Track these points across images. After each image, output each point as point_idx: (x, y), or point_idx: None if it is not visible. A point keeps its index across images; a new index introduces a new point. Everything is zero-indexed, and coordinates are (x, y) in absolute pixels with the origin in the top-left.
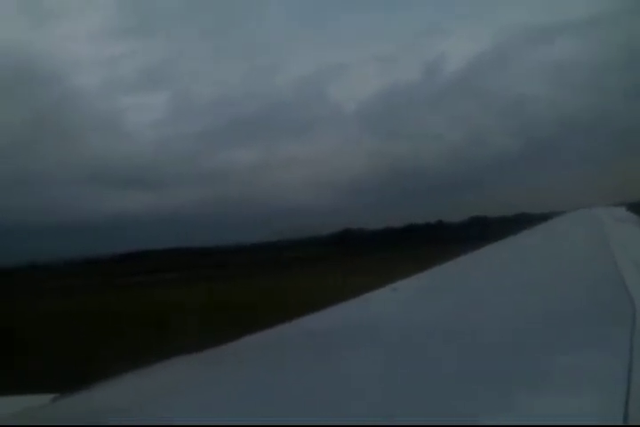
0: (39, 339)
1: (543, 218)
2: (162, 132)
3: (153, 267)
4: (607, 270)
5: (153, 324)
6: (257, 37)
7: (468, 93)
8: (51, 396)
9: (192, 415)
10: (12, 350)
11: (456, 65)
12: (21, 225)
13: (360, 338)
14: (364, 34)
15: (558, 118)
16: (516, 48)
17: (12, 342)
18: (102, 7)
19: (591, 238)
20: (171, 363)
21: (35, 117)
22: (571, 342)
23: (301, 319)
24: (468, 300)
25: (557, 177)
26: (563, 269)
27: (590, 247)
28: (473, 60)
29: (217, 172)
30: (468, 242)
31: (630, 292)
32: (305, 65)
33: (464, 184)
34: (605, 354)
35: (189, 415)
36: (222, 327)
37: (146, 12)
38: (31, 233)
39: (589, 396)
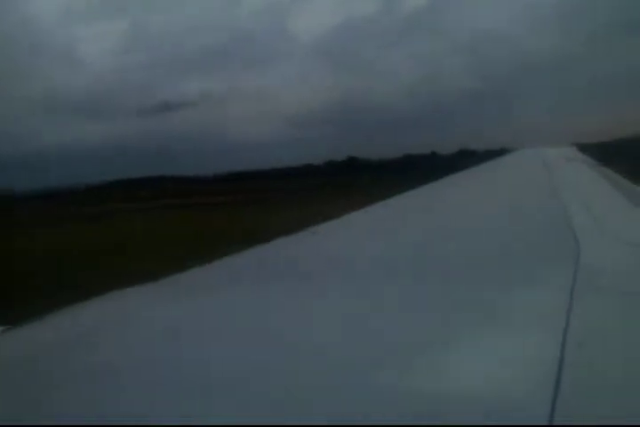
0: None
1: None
2: (118, 62)
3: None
4: (553, 209)
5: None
6: None
7: (429, 29)
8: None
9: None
10: None
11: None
12: None
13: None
14: None
15: (520, 58)
16: None
17: None
18: None
19: (539, 177)
20: (117, 294)
21: None
22: (513, 281)
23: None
24: (405, 238)
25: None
26: (508, 207)
27: (538, 185)
28: None
29: (171, 103)
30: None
31: (575, 231)
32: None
33: (422, 121)
34: (547, 293)
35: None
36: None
37: None
38: None
39: (528, 334)
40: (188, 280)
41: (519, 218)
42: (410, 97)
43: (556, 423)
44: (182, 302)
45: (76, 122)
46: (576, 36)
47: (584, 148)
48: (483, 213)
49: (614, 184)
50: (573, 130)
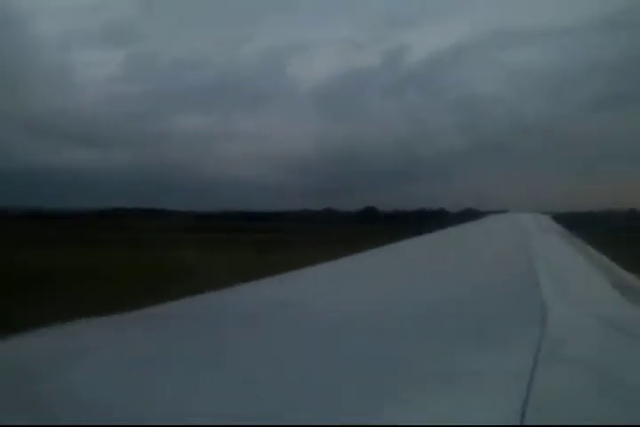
0: None
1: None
2: (114, 90)
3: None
4: (524, 274)
5: None
6: (227, 6)
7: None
8: None
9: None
10: None
11: (417, 57)
12: None
13: (262, 317)
14: (333, 15)
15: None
16: (479, 48)
17: None
18: None
19: (514, 241)
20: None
21: None
22: (478, 340)
23: (224, 291)
24: (383, 289)
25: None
26: (482, 269)
27: (511, 250)
28: (435, 55)
29: (163, 135)
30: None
31: (544, 297)
32: (269, 39)
33: (401, 175)
34: (511, 356)
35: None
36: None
37: None
38: None
39: (489, 396)
40: (164, 311)
41: (491, 279)
42: (400, 150)
43: None
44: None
45: (68, 146)
46: (566, 103)
47: (558, 216)
48: (465, 271)
49: (584, 255)
50: (548, 197)
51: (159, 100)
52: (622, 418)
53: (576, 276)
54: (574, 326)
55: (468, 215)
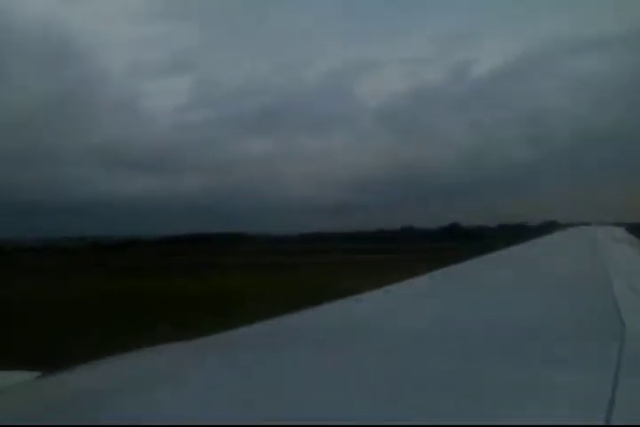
0: None
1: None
2: (181, 118)
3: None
4: (601, 289)
5: None
6: (289, 30)
7: (491, 100)
8: (35, 374)
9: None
10: None
11: (482, 71)
12: (35, 204)
13: (347, 338)
14: (395, 32)
15: (577, 133)
16: (545, 59)
17: None
18: None
19: (588, 256)
20: (158, 349)
21: (57, 95)
22: (557, 358)
23: (294, 315)
24: (461, 307)
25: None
26: (557, 284)
27: (587, 265)
28: (500, 67)
29: (231, 161)
30: None
31: (621, 312)
32: (333, 60)
33: (479, 190)
34: (591, 373)
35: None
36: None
37: None
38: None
39: (571, 411)
40: (222, 340)
41: (567, 294)
42: (469, 166)
43: None
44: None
45: (134, 176)
46: (632, 112)
47: (629, 227)
48: (540, 288)
49: None
50: (620, 208)
51: (224, 126)
52: None
53: None
54: None
55: (549, 228)
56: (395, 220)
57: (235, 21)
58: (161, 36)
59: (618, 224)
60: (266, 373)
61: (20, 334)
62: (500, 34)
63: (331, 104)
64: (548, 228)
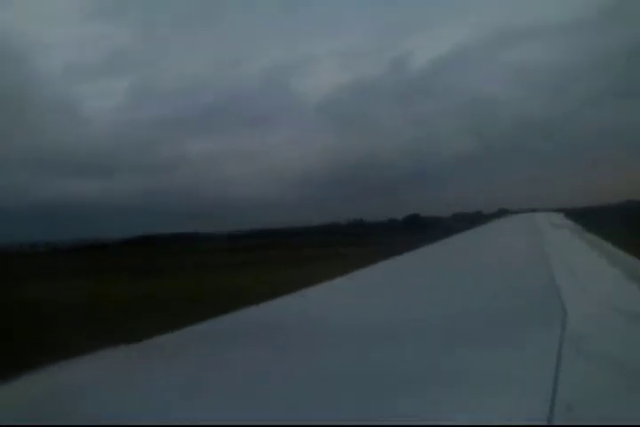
0: None
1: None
2: (120, 119)
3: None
4: (540, 274)
5: None
6: (226, 27)
7: (431, 92)
8: None
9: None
10: None
11: (421, 62)
12: None
13: (283, 335)
14: (332, 26)
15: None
16: (483, 49)
17: None
18: None
19: (527, 242)
20: (102, 353)
21: None
22: (500, 343)
23: (238, 312)
24: (401, 298)
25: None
26: (497, 272)
27: (526, 251)
28: (439, 58)
29: (173, 161)
30: None
31: (562, 296)
32: (271, 56)
33: (425, 181)
34: (534, 356)
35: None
36: None
37: None
38: None
39: (515, 396)
40: (175, 340)
41: (507, 281)
42: (410, 157)
43: None
44: (171, 362)
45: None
46: (569, 99)
47: (570, 213)
48: (480, 276)
49: (601, 251)
50: (560, 193)
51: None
52: None
53: (594, 274)
54: (595, 323)
55: (501, 216)
56: (344, 213)
57: (172, 20)
58: (98, 36)
59: (562, 210)
60: (211, 372)
61: None
62: (440, 24)
63: (272, 100)
64: (499, 215)
